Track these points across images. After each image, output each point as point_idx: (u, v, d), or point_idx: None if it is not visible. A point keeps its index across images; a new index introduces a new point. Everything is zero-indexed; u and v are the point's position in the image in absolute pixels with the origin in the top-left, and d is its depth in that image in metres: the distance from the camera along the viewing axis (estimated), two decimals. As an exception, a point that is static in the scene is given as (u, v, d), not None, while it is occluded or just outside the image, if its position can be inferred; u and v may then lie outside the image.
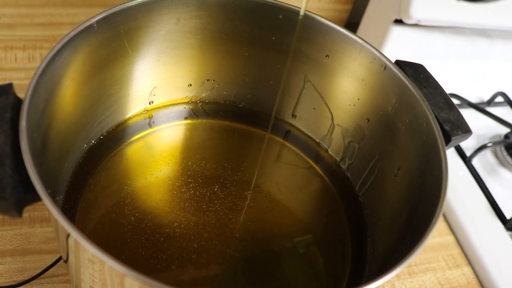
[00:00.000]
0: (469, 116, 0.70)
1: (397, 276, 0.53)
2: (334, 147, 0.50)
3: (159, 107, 0.50)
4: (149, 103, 0.49)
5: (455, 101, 0.70)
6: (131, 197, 0.43)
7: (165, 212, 0.43)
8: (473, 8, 0.62)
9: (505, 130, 0.69)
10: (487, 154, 0.67)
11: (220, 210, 0.44)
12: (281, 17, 0.44)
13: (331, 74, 0.46)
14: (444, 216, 0.60)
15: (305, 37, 0.45)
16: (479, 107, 0.70)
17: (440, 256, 0.56)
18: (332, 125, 0.49)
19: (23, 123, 0.29)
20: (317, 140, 0.51)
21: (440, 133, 0.38)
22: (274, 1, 0.44)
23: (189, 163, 0.47)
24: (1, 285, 0.44)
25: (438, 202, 0.34)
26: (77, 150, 0.43)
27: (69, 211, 0.40)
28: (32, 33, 0.64)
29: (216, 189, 0.45)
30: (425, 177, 0.38)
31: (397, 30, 0.66)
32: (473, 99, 0.73)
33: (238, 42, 0.47)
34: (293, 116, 0.51)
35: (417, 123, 0.40)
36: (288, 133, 0.51)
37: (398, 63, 0.42)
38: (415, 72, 0.42)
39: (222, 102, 0.52)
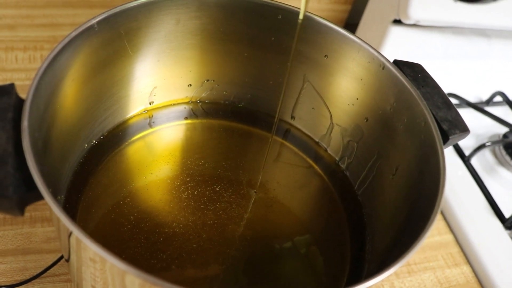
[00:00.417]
0: (468, 115, 0.70)
1: (396, 275, 0.53)
2: (333, 146, 0.50)
3: (159, 107, 0.50)
4: (150, 103, 0.49)
5: (454, 101, 0.71)
6: (131, 196, 0.43)
7: (165, 211, 0.43)
8: (471, 8, 0.63)
9: (503, 129, 0.70)
10: (486, 153, 0.67)
11: (220, 210, 0.44)
12: (280, 17, 0.45)
13: (330, 74, 0.47)
14: (443, 215, 0.60)
15: (304, 38, 0.45)
16: (478, 107, 0.70)
17: (439, 255, 0.56)
18: (331, 125, 0.49)
19: (25, 123, 0.29)
20: (316, 140, 0.51)
21: (438, 132, 0.38)
22: (273, 2, 0.44)
23: (189, 162, 0.47)
24: (3, 284, 0.44)
25: (436, 201, 0.34)
26: (78, 149, 0.43)
27: (70, 210, 0.41)
28: (33, 34, 0.64)
29: (215, 189, 0.46)
30: (423, 175, 0.38)
31: (396, 30, 0.66)
32: (472, 99, 0.73)
33: (237, 42, 0.47)
34: (292, 116, 0.51)
35: (415, 123, 0.40)
36: (287, 133, 0.52)
37: (396, 62, 0.42)
38: (413, 71, 0.42)
39: (222, 102, 0.52)
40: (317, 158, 0.50)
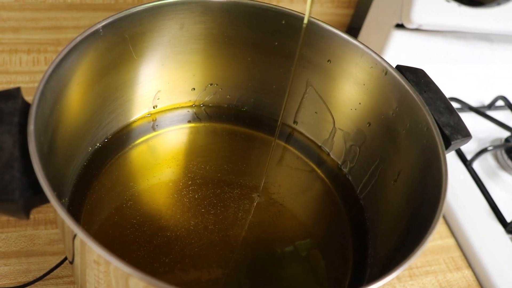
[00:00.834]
0: (470, 120, 0.70)
1: (398, 278, 0.53)
2: (335, 150, 0.50)
3: (163, 111, 0.50)
4: (153, 107, 0.50)
5: (456, 105, 0.71)
6: (134, 199, 0.43)
7: (168, 214, 0.43)
8: (474, 12, 0.63)
9: (505, 134, 0.70)
10: (488, 157, 0.67)
11: (222, 213, 0.44)
12: (283, 22, 0.45)
13: (332, 78, 0.47)
14: (445, 219, 0.60)
15: (308, 42, 0.45)
16: (480, 111, 0.70)
17: (441, 258, 0.56)
18: (334, 129, 0.49)
19: (31, 127, 0.30)
20: (319, 144, 0.51)
21: (440, 137, 0.38)
22: (277, 7, 0.44)
23: (192, 166, 0.47)
24: (6, 287, 0.44)
25: (438, 205, 0.34)
26: (83, 153, 0.43)
27: (74, 213, 0.41)
28: (37, 37, 0.64)
29: (218, 192, 0.46)
30: (426, 180, 0.38)
31: (398, 34, 0.66)
32: (474, 103, 0.74)
33: (241, 47, 0.47)
34: (295, 120, 0.51)
35: (418, 128, 0.40)
36: (290, 137, 0.52)
37: (399, 68, 0.43)
38: (416, 77, 0.42)
39: (225, 106, 0.52)
40: (319, 162, 0.50)
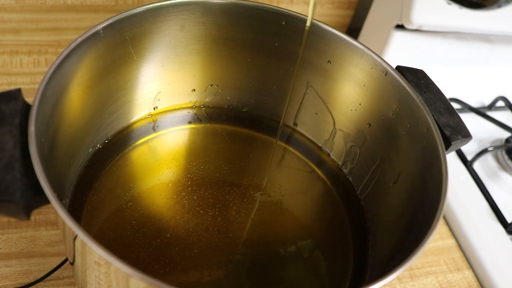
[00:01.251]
0: (470, 120, 0.70)
1: (399, 279, 0.53)
2: (336, 151, 0.50)
3: (163, 112, 0.50)
4: (154, 108, 0.50)
5: (456, 106, 0.71)
6: (135, 200, 0.44)
7: (168, 216, 0.43)
8: (474, 14, 0.63)
9: (506, 134, 0.70)
10: (488, 158, 0.67)
11: (223, 214, 0.44)
12: (284, 23, 0.45)
13: (333, 79, 0.47)
14: (445, 220, 0.60)
15: (308, 43, 0.45)
16: (480, 112, 0.70)
17: (441, 259, 0.56)
18: (334, 130, 0.49)
19: (31, 128, 0.30)
20: (319, 145, 0.51)
21: (440, 138, 0.38)
22: (277, 8, 0.44)
23: (192, 167, 0.47)
24: None
25: (438, 206, 0.34)
26: (83, 154, 0.44)
27: (74, 214, 0.41)
28: (37, 38, 0.64)
29: (218, 193, 0.46)
30: (426, 181, 0.38)
31: (398, 35, 0.66)
32: (474, 104, 0.74)
33: (241, 48, 0.48)
34: (296, 121, 0.51)
35: (418, 128, 0.40)
36: (290, 137, 0.52)
37: (399, 69, 0.43)
38: (416, 77, 0.42)
39: (226, 107, 0.53)
40: (320, 162, 0.50)
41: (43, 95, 0.32)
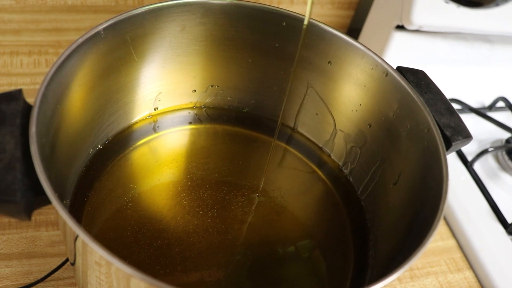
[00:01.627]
0: (471, 121, 0.70)
1: (399, 280, 0.53)
2: (336, 152, 0.50)
3: (164, 112, 0.50)
4: (154, 109, 0.50)
5: (457, 106, 0.71)
6: (135, 201, 0.44)
7: (169, 216, 0.43)
8: (474, 14, 0.63)
9: (506, 135, 0.70)
10: (489, 158, 0.67)
11: (224, 215, 0.44)
12: (284, 24, 0.45)
13: (333, 80, 0.47)
14: (446, 220, 0.60)
15: (308, 44, 0.45)
16: (480, 112, 0.70)
17: (441, 260, 0.56)
18: (335, 131, 0.49)
19: (32, 129, 0.30)
20: (320, 145, 0.51)
21: (441, 138, 0.38)
22: (278, 9, 0.44)
23: (193, 167, 0.47)
24: (8, 288, 0.44)
25: (439, 206, 0.34)
26: (84, 154, 0.44)
27: (75, 215, 0.41)
28: (38, 39, 0.64)
29: (219, 194, 0.46)
30: (426, 181, 0.38)
31: (398, 35, 0.66)
32: (475, 104, 0.74)
33: (242, 48, 0.48)
34: (296, 121, 0.51)
35: (418, 129, 0.40)
36: (291, 138, 0.52)
37: (400, 69, 0.43)
38: (416, 78, 0.42)
39: (226, 107, 0.53)
40: (320, 163, 0.50)
41: (44, 95, 0.32)
